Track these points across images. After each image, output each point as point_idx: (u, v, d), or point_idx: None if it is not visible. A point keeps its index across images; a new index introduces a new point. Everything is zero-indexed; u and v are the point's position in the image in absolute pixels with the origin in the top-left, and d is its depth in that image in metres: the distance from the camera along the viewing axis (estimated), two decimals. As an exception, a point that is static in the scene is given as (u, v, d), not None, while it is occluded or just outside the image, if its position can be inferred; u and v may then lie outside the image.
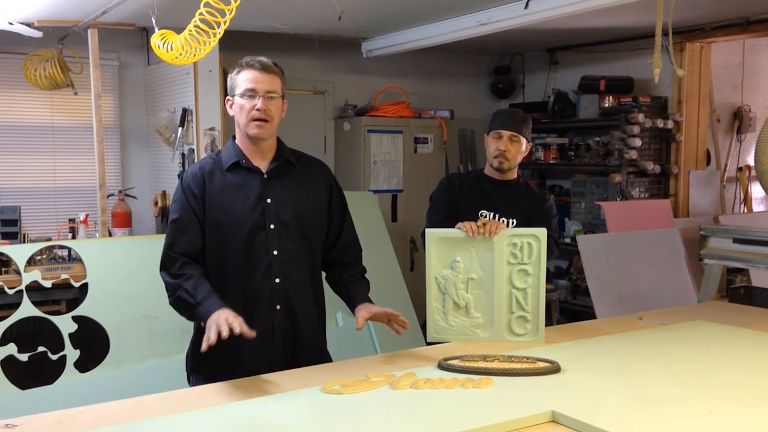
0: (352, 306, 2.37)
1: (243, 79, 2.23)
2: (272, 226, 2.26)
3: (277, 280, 2.27)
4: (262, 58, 2.25)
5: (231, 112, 2.29)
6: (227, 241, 2.25)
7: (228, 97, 2.30)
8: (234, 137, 2.34)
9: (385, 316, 2.28)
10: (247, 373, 2.16)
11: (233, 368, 2.20)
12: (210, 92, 4.52)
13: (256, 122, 2.22)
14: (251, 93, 2.21)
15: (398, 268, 4.85)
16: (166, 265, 2.25)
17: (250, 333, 2.03)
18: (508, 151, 2.89)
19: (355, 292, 2.39)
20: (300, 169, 2.37)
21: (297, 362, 2.29)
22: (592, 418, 1.72)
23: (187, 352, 2.38)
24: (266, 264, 2.26)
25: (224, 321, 2.01)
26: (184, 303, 2.18)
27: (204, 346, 2.01)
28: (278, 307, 2.28)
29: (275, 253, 2.26)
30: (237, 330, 1.99)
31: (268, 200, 2.27)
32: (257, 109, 2.20)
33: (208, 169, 2.29)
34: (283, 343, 2.30)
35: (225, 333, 1.98)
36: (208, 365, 2.29)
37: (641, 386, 1.99)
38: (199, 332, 2.32)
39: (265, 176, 2.30)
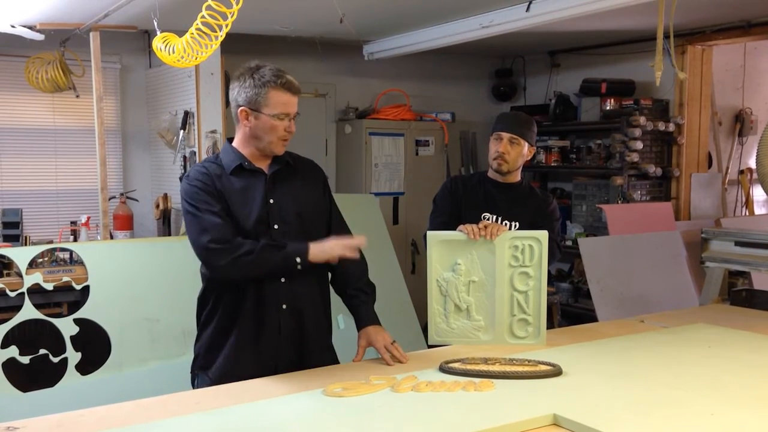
0: (357, 325, 2.41)
1: (278, 101, 2.20)
2: (276, 227, 2.27)
3: (283, 280, 2.28)
4: (292, 79, 2.24)
5: (247, 124, 2.24)
6: None
7: (244, 108, 2.22)
8: (229, 140, 2.35)
9: (384, 351, 2.31)
10: (253, 373, 2.17)
11: (242, 367, 2.22)
12: (212, 95, 4.53)
13: (284, 141, 2.27)
14: (285, 116, 2.23)
15: (399, 271, 4.85)
16: (216, 253, 2.15)
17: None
18: (507, 153, 2.89)
19: (359, 311, 2.41)
20: (298, 170, 2.40)
21: (304, 361, 2.31)
22: (593, 421, 1.72)
23: (199, 350, 2.36)
24: None
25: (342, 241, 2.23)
26: (271, 249, 2.17)
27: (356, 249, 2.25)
28: (284, 306, 2.29)
29: None
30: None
31: (272, 201, 2.29)
32: (288, 132, 2.25)
33: (212, 170, 2.30)
34: (290, 343, 2.31)
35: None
36: (217, 363, 2.29)
37: (643, 389, 1.98)
38: (215, 331, 2.30)
39: (268, 178, 2.31)
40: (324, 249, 2.20)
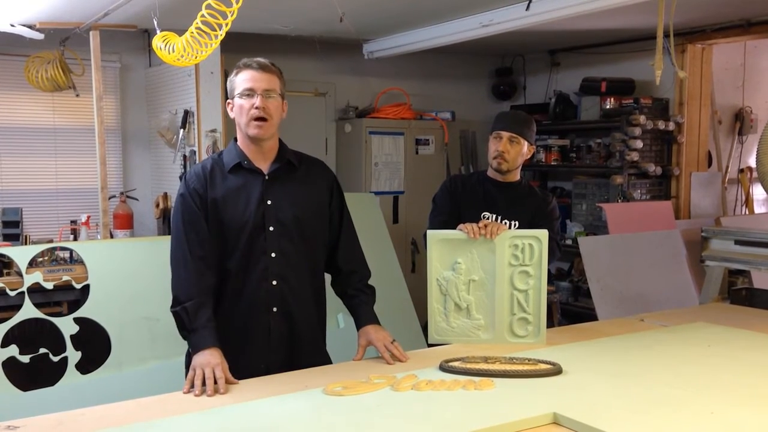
0: (356, 324, 2.40)
1: (241, 79, 2.24)
2: (271, 228, 2.26)
3: (274, 283, 2.27)
4: (260, 59, 2.26)
5: (232, 115, 2.30)
6: (227, 242, 2.25)
7: (228, 100, 2.30)
8: (235, 139, 2.35)
9: (384, 350, 2.30)
10: (243, 375, 2.16)
11: (231, 369, 2.20)
12: (211, 94, 4.53)
13: (256, 122, 2.22)
14: (249, 92, 2.22)
15: (399, 270, 4.85)
16: (178, 265, 2.23)
17: (231, 381, 2.06)
18: (507, 152, 2.89)
19: (358, 311, 2.41)
20: (301, 170, 2.37)
21: (294, 364, 2.29)
22: (593, 419, 1.72)
23: (187, 351, 2.38)
24: (263, 266, 2.25)
25: (210, 373, 2.02)
26: (180, 322, 2.20)
27: (185, 388, 2.03)
28: (275, 309, 2.28)
29: (273, 255, 2.26)
30: (220, 387, 2.01)
31: (269, 202, 2.27)
32: (256, 108, 2.21)
33: (209, 169, 2.29)
34: (281, 346, 2.30)
35: (209, 390, 1.99)
36: None
37: (643, 388, 1.98)
38: None
39: (267, 178, 2.29)
40: (205, 368, 2.05)
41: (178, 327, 2.23)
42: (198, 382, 2.01)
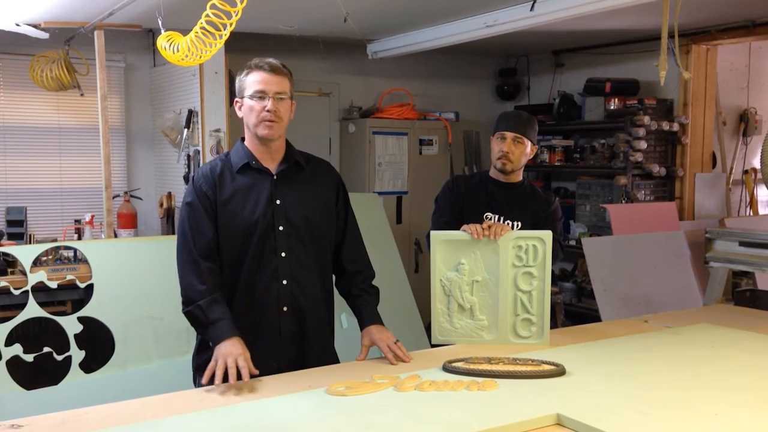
0: (360, 325, 2.41)
1: (252, 80, 2.23)
2: (281, 228, 2.26)
3: (285, 282, 2.27)
4: (271, 60, 2.26)
5: (240, 114, 2.30)
6: (237, 243, 2.26)
7: (236, 99, 2.30)
8: (242, 139, 2.35)
9: (387, 350, 2.30)
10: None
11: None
12: (216, 94, 4.53)
13: (266, 123, 2.22)
14: (261, 94, 2.22)
15: (403, 270, 4.85)
16: (185, 267, 2.25)
17: (253, 371, 2.07)
18: (512, 152, 2.88)
19: (362, 311, 2.41)
20: (308, 170, 2.38)
21: (305, 363, 2.30)
22: (596, 421, 1.72)
23: (194, 351, 2.38)
24: (274, 265, 2.26)
25: (233, 363, 2.03)
26: (196, 319, 2.20)
27: (205, 379, 2.06)
28: (285, 308, 2.28)
29: (283, 254, 2.27)
30: (244, 376, 2.03)
31: (278, 202, 2.28)
32: (267, 110, 2.21)
33: (218, 170, 2.30)
34: (291, 345, 2.31)
35: (232, 380, 2.01)
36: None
37: (646, 389, 1.98)
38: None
39: (275, 178, 2.30)
40: (227, 358, 2.07)
41: (194, 326, 2.23)
42: (219, 373, 2.02)
